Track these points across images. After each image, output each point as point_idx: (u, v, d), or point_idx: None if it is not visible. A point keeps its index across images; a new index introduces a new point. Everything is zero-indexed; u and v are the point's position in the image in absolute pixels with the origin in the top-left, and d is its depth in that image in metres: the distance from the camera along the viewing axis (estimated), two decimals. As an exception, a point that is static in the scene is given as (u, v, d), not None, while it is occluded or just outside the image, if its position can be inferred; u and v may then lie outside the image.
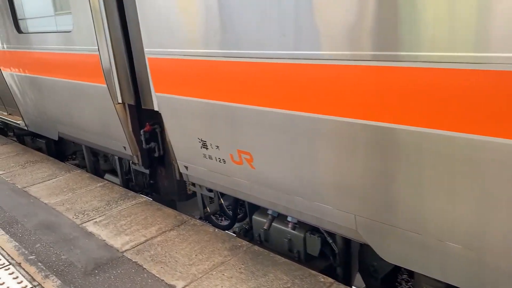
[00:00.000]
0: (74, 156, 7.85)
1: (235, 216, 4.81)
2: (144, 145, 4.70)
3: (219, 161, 3.64)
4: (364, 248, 3.53)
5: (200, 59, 3.30)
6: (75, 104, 5.27)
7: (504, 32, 1.86)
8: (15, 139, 8.52)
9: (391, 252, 2.72)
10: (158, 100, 3.92)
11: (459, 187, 2.24)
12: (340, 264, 3.67)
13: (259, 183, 3.39)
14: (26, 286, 3.40)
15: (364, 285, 3.73)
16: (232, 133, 3.37)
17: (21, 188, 5.48)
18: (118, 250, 3.81)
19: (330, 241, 3.56)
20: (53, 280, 3.45)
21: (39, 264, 3.70)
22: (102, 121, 4.98)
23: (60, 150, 7.47)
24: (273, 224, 3.81)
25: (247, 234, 4.44)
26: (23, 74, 6.13)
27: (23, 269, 3.64)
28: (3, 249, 3.99)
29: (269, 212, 3.75)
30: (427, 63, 2.11)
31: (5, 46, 6.36)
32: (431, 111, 2.18)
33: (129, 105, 4.61)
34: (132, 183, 5.68)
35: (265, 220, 3.83)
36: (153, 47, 3.69)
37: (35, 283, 3.42)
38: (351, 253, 3.70)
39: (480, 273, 2.35)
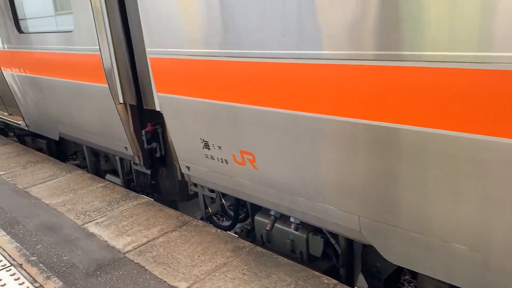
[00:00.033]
0: (75, 157, 7.84)
1: (236, 217, 4.80)
2: (145, 146, 4.69)
3: (221, 161, 3.63)
4: (367, 249, 3.52)
5: (202, 59, 3.28)
6: (76, 105, 5.25)
7: (506, 32, 1.85)
8: (16, 140, 8.51)
9: (396, 253, 2.70)
10: (160, 100, 3.91)
11: (464, 188, 2.22)
12: (343, 265, 3.65)
13: (261, 183, 3.37)
14: (28, 287, 3.38)
15: (367, 286, 3.71)
16: (234, 134, 3.35)
17: (22, 189, 5.46)
18: (120, 251, 3.80)
19: (333, 242, 3.54)
20: (54, 281, 3.43)
21: (41, 265, 3.68)
22: (104, 122, 4.96)
23: (61, 150, 7.45)
24: (276, 224, 3.79)
25: (249, 235, 4.43)
26: (24, 74, 6.11)
27: (25, 270, 3.63)
28: (4, 250, 3.98)
29: (272, 212, 3.73)
30: (431, 62, 2.10)
31: (5, 46, 6.35)
32: (435, 111, 2.16)
33: (131, 105, 4.60)
34: (133, 183, 5.67)
35: (267, 221, 3.81)
36: (155, 47, 3.68)
37: (37, 285, 3.41)
38: (353, 254, 3.68)
39: (486, 274, 2.33)
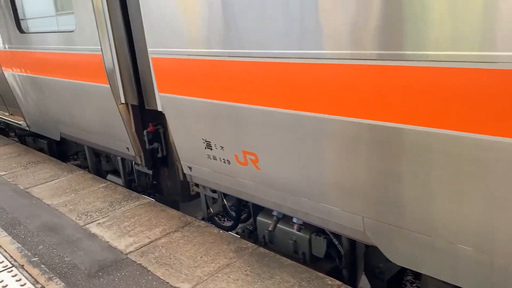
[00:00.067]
0: (76, 157, 7.83)
1: (238, 217, 4.78)
2: (147, 146, 4.67)
3: (224, 161, 3.61)
4: (370, 250, 3.50)
5: (205, 59, 3.26)
6: (78, 105, 5.24)
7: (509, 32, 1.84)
8: (17, 140, 8.49)
9: (400, 254, 2.69)
10: (162, 100, 3.89)
11: (469, 189, 2.21)
12: (345, 266, 3.63)
13: (264, 184, 3.36)
14: (30, 288, 3.37)
15: (370, 287, 3.69)
16: (237, 134, 3.33)
17: (24, 189, 5.45)
18: (122, 252, 3.78)
19: (336, 242, 3.53)
20: (56, 282, 3.42)
21: (42, 266, 3.66)
22: (105, 122, 4.95)
23: (62, 150, 7.44)
24: (278, 225, 3.78)
25: (251, 235, 4.41)
26: (25, 74, 6.10)
27: (26, 271, 3.61)
28: (5, 250, 3.96)
29: (274, 213, 3.72)
30: (434, 62, 2.09)
31: (6, 46, 6.33)
32: (440, 111, 2.15)
33: (132, 106, 4.58)
34: (134, 183, 5.65)
35: (269, 221, 3.80)
36: (157, 46, 3.66)
37: (39, 286, 3.39)
38: (356, 255, 3.66)
39: (492, 276, 2.31)
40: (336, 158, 2.73)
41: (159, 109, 4.03)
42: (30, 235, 4.23)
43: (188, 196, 4.96)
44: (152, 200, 4.90)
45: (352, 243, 3.54)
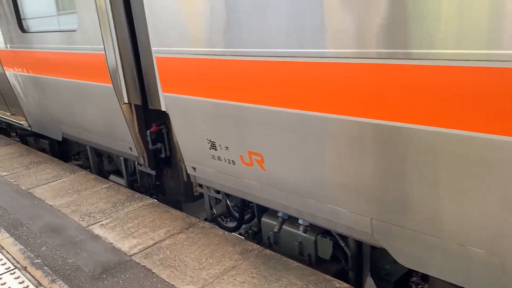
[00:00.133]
0: (77, 157, 7.79)
1: (242, 218, 4.74)
2: (150, 146, 4.64)
3: (229, 162, 3.57)
4: (376, 252, 3.46)
5: (209, 58, 3.23)
6: (80, 105, 5.20)
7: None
8: (18, 140, 8.46)
9: (409, 256, 2.65)
10: (166, 100, 3.85)
11: (480, 190, 2.17)
12: (352, 268, 3.59)
13: (269, 184, 3.32)
14: (33, 291, 3.34)
15: (376, 289, 3.66)
16: (242, 134, 3.29)
17: (26, 190, 5.41)
18: (126, 254, 3.74)
19: (343, 244, 3.49)
20: (60, 284, 3.38)
21: (45, 268, 3.62)
22: (108, 122, 4.91)
23: (64, 150, 7.41)
24: (283, 226, 3.74)
25: (256, 237, 4.37)
26: (26, 74, 6.06)
27: (29, 273, 3.58)
28: (8, 252, 3.93)
29: (280, 214, 3.68)
30: (439, 60, 2.05)
31: (8, 45, 6.30)
32: (448, 110, 2.11)
33: (135, 105, 4.55)
34: (137, 184, 5.62)
35: (274, 223, 3.76)
36: (161, 46, 3.62)
37: (42, 288, 3.36)
38: (362, 256, 3.62)
39: (503, 278, 2.27)
40: (344, 158, 2.69)
41: (163, 109, 3.99)
42: (33, 236, 4.19)
43: (191, 196, 4.93)
44: (155, 201, 4.86)
45: (358, 244, 3.50)
